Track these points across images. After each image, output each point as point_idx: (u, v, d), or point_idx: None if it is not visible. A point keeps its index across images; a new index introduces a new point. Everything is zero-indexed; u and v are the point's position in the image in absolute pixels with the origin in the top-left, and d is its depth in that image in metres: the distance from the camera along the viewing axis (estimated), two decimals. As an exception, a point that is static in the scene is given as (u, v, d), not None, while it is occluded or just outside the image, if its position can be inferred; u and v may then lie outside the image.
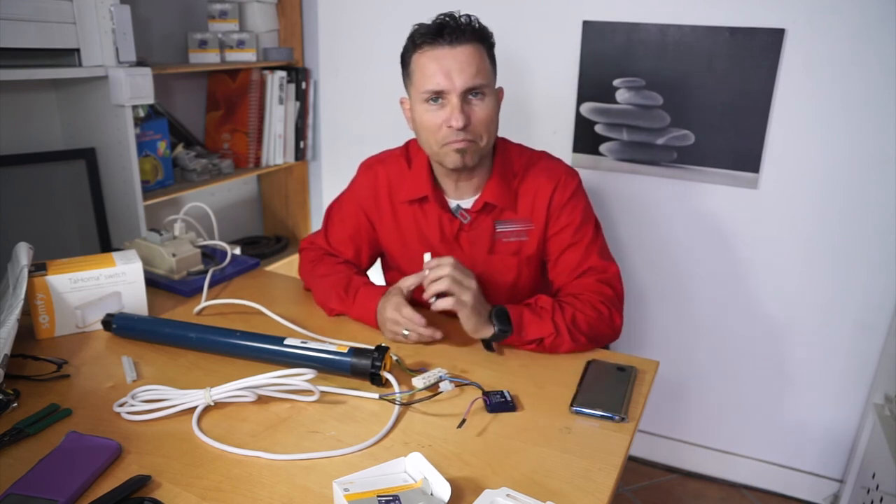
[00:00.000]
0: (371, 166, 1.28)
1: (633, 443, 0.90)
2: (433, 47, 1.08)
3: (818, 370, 1.75)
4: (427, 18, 1.11)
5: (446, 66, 1.07)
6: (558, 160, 1.25)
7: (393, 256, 1.30)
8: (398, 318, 1.08)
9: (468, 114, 1.08)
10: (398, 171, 1.24)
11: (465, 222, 1.21)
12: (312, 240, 1.35)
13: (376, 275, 1.38)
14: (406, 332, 1.07)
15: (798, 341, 1.75)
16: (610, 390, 0.97)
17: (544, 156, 1.25)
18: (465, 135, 1.09)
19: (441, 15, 1.10)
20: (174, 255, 1.30)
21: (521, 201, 1.20)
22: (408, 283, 1.10)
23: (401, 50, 1.15)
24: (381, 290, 1.15)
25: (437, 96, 1.09)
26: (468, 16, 1.10)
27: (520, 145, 1.26)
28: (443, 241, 1.22)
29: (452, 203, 1.22)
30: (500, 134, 1.26)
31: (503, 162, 1.21)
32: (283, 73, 2.05)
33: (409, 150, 1.26)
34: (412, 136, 1.25)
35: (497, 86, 1.17)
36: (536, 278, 1.26)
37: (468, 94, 1.09)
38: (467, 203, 1.21)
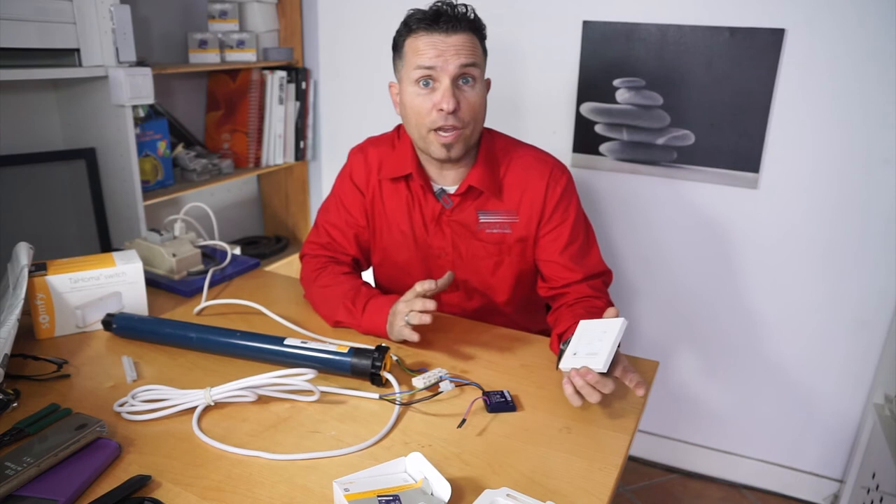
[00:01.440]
0: (362, 149, 1.28)
1: (633, 443, 0.90)
2: (429, 33, 1.08)
3: (818, 370, 1.75)
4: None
5: (440, 49, 1.08)
6: (545, 153, 1.25)
7: (380, 238, 1.28)
8: (409, 302, 1.04)
9: (458, 98, 1.09)
10: (388, 151, 1.25)
11: (447, 207, 1.20)
12: (311, 240, 1.32)
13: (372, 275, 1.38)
14: (407, 318, 1.03)
15: (798, 341, 1.75)
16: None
17: (530, 148, 1.25)
18: (454, 120, 1.09)
19: (438, 2, 1.10)
20: (174, 255, 1.30)
21: (508, 192, 1.20)
22: (425, 286, 1.04)
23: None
24: (391, 300, 1.11)
25: (428, 79, 1.09)
26: (465, 5, 1.11)
27: (504, 135, 1.26)
28: (424, 223, 1.23)
29: (436, 187, 1.22)
30: (502, 132, 1.27)
31: (488, 149, 1.21)
32: (283, 73, 2.05)
33: (400, 131, 1.26)
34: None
35: (485, 77, 1.17)
36: (522, 266, 1.25)
37: (459, 79, 1.09)
38: (451, 188, 1.21)
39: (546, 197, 1.19)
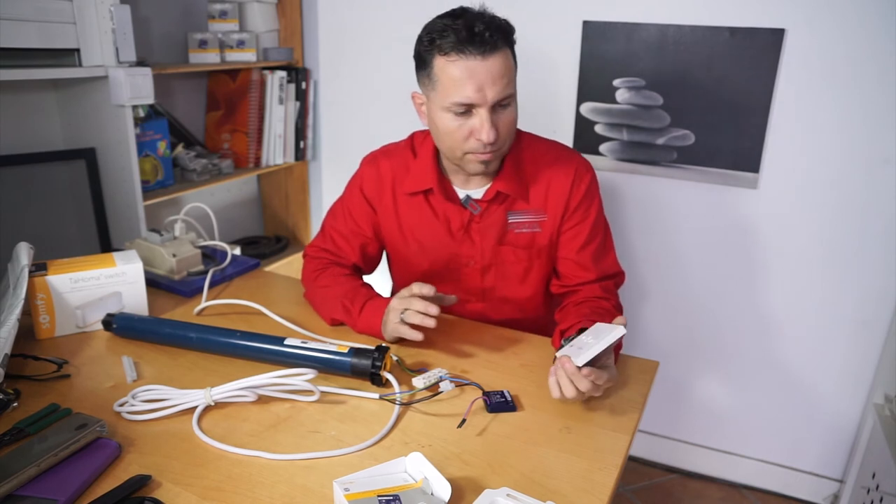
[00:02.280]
0: (375, 159, 1.25)
1: (633, 443, 0.90)
2: (463, 56, 1.01)
3: (818, 370, 1.75)
4: (429, 16, 1.07)
5: (478, 80, 1.01)
6: (571, 150, 1.23)
7: (396, 250, 1.27)
8: (406, 293, 1.03)
9: (496, 124, 1.05)
10: (403, 164, 1.22)
11: (475, 213, 1.18)
12: (317, 244, 1.30)
13: (380, 277, 1.38)
14: (402, 316, 1.02)
15: (798, 341, 1.75)
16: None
17: (556, 145, 1.23)
18: (492, 147, 1.07)
19: (466, 13, 1.03)
20: (174, 256, 1.30)
21: (534, 191, 1.18)
22: (424, 290, 1.03)
23: (401, 49, 1.13)
24: (388, 302, 1.10)
25: (466, 108, 1.04)
26: (495, 17, 1.04)
27: (530, 134, 1.24)
28: (451, 233, 1.20)
29: (461, 194, 1.19)
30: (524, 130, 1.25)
31: (515, 151, 1.18)
32: (283, 73, 2.05)
33: (414, 141, 1.23)
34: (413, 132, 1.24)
35: None
36: (549, 269, 1.24)
37: (497, 105, 1.05)
38: (478, 193, 1.18)
39: (570, 194, 1.18)
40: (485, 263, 1.22)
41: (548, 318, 1.30)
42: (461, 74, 1.02)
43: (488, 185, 1.18)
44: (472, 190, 1.19)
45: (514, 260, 1.22)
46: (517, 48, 1.10)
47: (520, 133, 1.22)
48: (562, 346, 0.97)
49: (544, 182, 1.18)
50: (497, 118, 1.06)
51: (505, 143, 1.10)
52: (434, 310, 1.00)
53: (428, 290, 1.02)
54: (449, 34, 1.01)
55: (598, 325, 0.96)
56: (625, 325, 0.93)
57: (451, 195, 1.19)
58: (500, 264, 1.22)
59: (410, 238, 1.23)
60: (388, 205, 1.23)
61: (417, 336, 1.01)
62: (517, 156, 1.19)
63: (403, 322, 1.02)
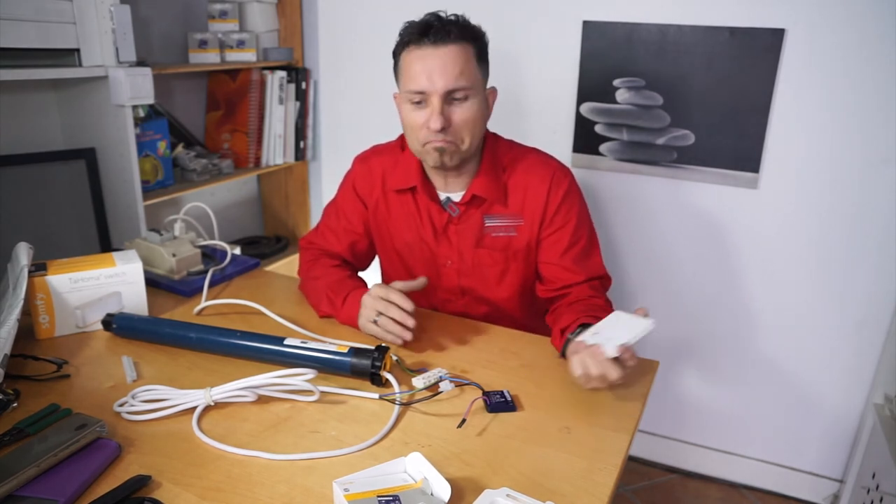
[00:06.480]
0: (366, 158, 1.29)
1: (633, 443, 0.90)
2: (419, 47, 1.08)
3: (818, 370, 1.75)
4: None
5: (428, 67, 1.07)
6: (549, 156, 1.25)
7: (384, 246, 1.30)
8: (385, 294, 1.04)
9: (448, 115, 1.09)
10: (392, 162, 1.25)
11: (453, 215, 1.21)
12: (310, 238, 1.36)
13: (374, 275, 1.38)
14: (376, 318, 1.04)
15: (798, 341, 1.75)
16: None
17: (534, 151, 1.25)
18: (444, 136, 1.10)
19: (428, 14, 1.10)
20: (174, 255, 1.30)
21: (512, 196, 1.20)
22: (398, 286, 1.07)
23: None
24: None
25: (420, 97, 1.09)
26: (455, 15, 1.10)
27: (509, 140, 1.26)
28: (433, 232, 1.23)
29: (442, 195, 1.23)
30: (500, 133, 1.27)
31: (492, 156, 1.21)
32: (283, 73, 2.05)
33: (404, 141, 1.26)
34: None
35: (490, 86, 1.17)
36: (527, 271, 1.25)
37: (449, 95, 1.08)
38: (457, 196, 1.22)
39: (548, 200, 1.19)
40: (462, 264, 1.24)
41: (526, 318, 1.31)
42: (415, 63, 1.08)
43: (467, 189, 1.20)
44: (452, 193, 1.22)
45: (491, 262, 1.23)
46: (516, 48, 1.12)
47: (498, 138, 1.25)
48: (568, 341, 0.97)
49: (521, 187, 1.20)
50: (450, 110, 1.09)
51: (462, 139, 1.12)
52: (411, 322, 1.03)
53: (408, 305, 1.03)
54: (410, 29, 1.10)
55: (619, 315, 0.96)
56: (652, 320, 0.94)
57: (433, 195, 1.22)
58: (477, 266, 1.24)
59: (397, 235, 1.26)
60: (379, 201, 1.26)
61: (395, 341, 1.05)
62: (494, 160, 1.21)
63: (374, 323, 1.05)
